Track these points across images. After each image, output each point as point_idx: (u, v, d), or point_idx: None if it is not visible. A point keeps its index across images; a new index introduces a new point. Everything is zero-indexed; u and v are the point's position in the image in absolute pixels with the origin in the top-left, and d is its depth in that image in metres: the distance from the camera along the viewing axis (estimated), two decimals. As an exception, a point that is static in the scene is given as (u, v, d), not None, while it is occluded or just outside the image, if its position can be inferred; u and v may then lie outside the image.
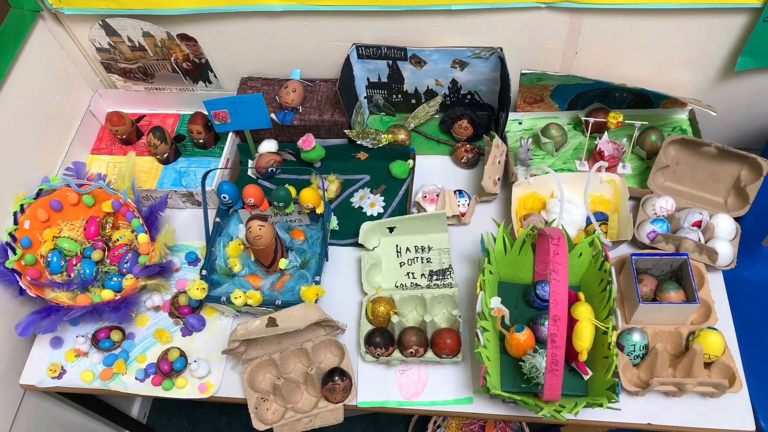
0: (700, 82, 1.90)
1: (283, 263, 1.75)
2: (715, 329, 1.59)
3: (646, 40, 1.80)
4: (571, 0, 1.68)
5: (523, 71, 1.82)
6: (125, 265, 1.80)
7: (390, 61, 1.90)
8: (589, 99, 1.95)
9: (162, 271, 1.80)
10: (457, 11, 1.76)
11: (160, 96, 2.10)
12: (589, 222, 1.77)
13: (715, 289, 1.69)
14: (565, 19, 1.77)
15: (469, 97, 2.00)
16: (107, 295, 1.73)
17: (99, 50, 2.00)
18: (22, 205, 1.81)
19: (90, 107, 2.07)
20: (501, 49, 1.79)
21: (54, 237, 1.85)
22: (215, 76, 2.05)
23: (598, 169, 1.79)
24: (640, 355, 1.61)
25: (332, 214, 1.90)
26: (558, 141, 1.91)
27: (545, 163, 1.93)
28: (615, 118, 1.83)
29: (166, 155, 1.98)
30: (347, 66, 1.87)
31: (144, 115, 2.14)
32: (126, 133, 2.03)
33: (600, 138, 1.85)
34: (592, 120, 1.86)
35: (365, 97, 2.06)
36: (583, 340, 1.52)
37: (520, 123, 2.01)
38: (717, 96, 1.92)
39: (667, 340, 1.64)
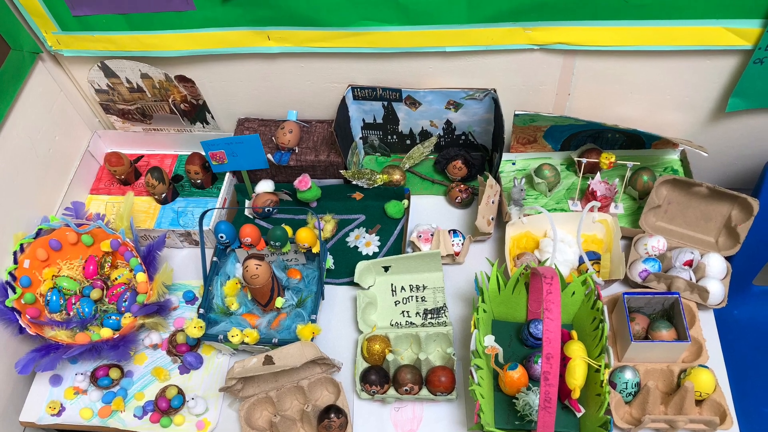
0: (691, 123, 1.98)
1: (279, 302, 1.83)
2: (706, 367, 1.66)
3: (638, 81, 1.89)
4: (563, 42, 1.78)
5: (516, 112, 1.90)
6: (124, 304, 1.87)
7: (385, 102, 1.98)
8: (582, 140, 2.04)
9: (160, 309, 1.87)
10: (451, 53, 1.85)
11: (157, 137, 2.19)
12: (581, 261, 1.85)
13: (707, 328, 1.77)
14: (558, 60, 1.85)
15: (463, 137, 2.08)
16: (106, 333, 1.80)
17: (98, 92, 2.10)
18: (21, 245, 1.89)
19: (89, 148, 2.15)
20: (495, 91, 1.88)
21: (53, 276, 1.92)
22: (212, 117, 2.14)
23: (591, 209, 1.88)
24: (633, 393, 1.67)
25: (328, 253, 1.97)
26: (551, 181, 2.00)
27: (538, 203, 2.01)
28: (607, 158, 1.92)
29: (164, 195, 2.06)
30: (343, 107, 1.96)
31: (142, 156, 2.22)
32: (124, 174, 2.11)
33: (593, 178, 1.94)
34: (584, 160, 1.95)
35: (360, 138, 2.15)
36: (576, 377, 1.59)
37: (513, 164, 2.10)
38: (708, 137, 2.01)
39: (659, 378, 1.71)
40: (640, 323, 1.76)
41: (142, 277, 1.88)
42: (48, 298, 1.89)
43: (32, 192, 1.99)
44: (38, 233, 1.93)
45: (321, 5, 1.74)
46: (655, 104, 1.95)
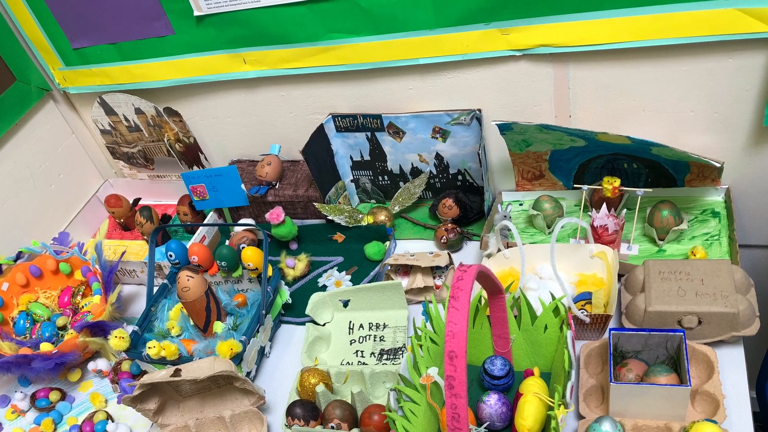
0: (724, 148, 1.68)
1: (218, 327, 1.71)
2: (713, 422, 1.30)
3: (648, 92, 1.65)
4: (548, 44, 1.61)
5: (494, 122, 1.71)
6: (80, 328, 1.86)
7: (369, 134, 1.91)
8: (596, 173, 1.80)
9: (105, 331, 1.81)
10: (428, 69, 1.76)
11: (162, 184, 2.25)
12: (577, 299, 1.59)
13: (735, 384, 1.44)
14: (548, 71, 1.68)
15: (460, 178, 1.93)
16: (45, 347, 1.78)
17: (103, 132, 2.20)
18: (0, 266, 1.96)
19: (98, 194, 2.25)
20: (479, 111, 1.75)
21: (28, 302, 1.96)
22: (206, 159, 2.15)
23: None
24: (611, 451, 1.33)
25: (288, 287, 1.86)
26: (549, 214, 1.77)
27: (536, 240, 1.80)
28: (610, 182, 1.67)
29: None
30: (320, 133, 1.90)
31: (140, 198, 2.25)
32: (124, 216, 2.16)
33: (598, 211, 1.69)
34: (585, 187, 1.72)
35: (352, 181, 2.06)
36: (525, 417, 1.34)
37: (521, 204, 1.90)
38: (754, 165, 1.70)
39: (654, 438, 1.36)
40: (634, 370, 1.44)
41: (97, 299, 1.87)
42: (16, 320, 1.92)
43: (24, 221, 2.08)
44: (18, 256, 1.99)
45: (286, 19, 1.75)
46: (677, 123, 1.68)
